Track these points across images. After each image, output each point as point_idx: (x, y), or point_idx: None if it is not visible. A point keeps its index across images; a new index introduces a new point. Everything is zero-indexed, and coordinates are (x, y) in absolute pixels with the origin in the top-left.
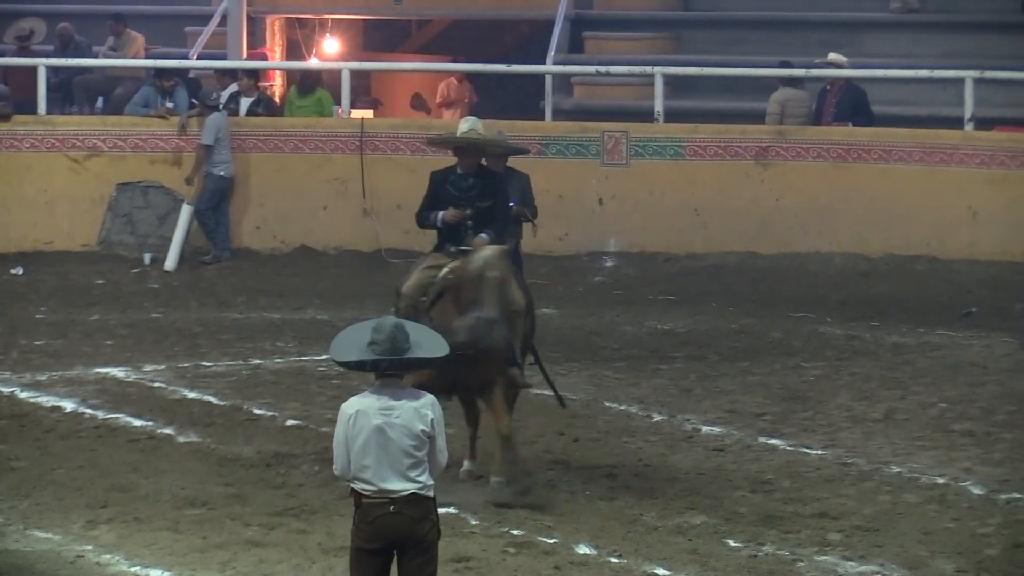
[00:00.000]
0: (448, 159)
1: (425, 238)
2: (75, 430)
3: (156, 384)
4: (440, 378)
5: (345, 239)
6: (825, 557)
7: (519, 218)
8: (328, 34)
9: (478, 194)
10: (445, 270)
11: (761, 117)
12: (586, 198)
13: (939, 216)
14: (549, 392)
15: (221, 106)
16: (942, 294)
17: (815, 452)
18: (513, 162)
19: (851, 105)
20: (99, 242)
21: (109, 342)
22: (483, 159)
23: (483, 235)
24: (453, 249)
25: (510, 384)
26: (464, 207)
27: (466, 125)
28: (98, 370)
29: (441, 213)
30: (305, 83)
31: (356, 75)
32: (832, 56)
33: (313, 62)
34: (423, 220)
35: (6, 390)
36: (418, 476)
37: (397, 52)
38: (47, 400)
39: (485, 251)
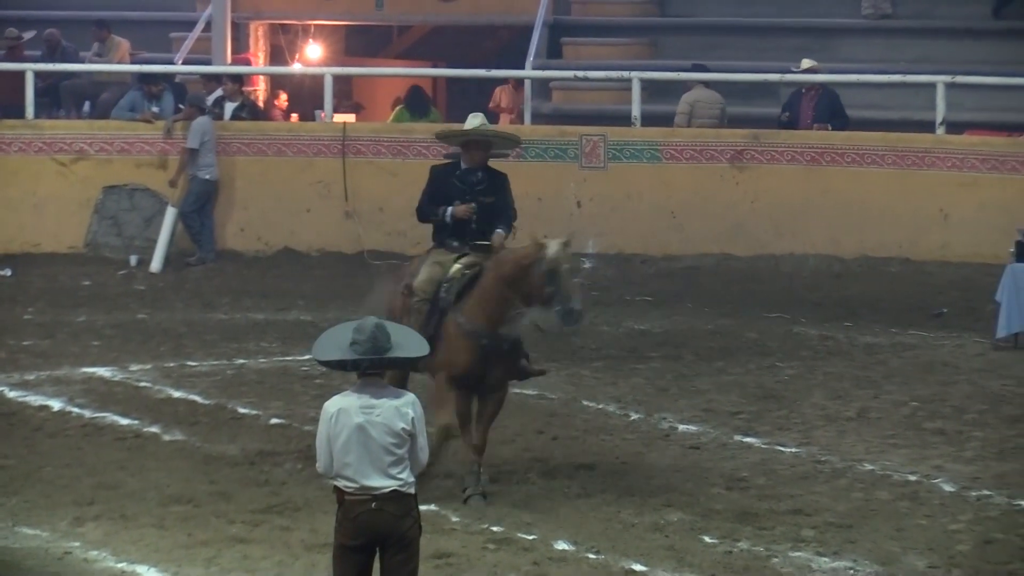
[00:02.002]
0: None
1: (406, 240)
2: (62, 429)
3: (142, 383)
4: (472, 369)
5: (328, 241)
6: (799, 553)
7: None
8: (311, 39)
9: (483, 190)
10: (459, 265)
11: (737, 121)
12: (564, 200)
13: (911, 218)
14: (529, 391)
15: (207, 110)
16: (914, 295)
17: (789, 450)
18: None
19: (828, 108)
20: (86, 244)
21: (96, 342)
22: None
23: (499, 231)
24: (456, 244)
25: (524, 375)
26: (469, 202)
27: (476, 120)
28: (85, 370)
29: (450, 208)
30: (417, 105)
31: (338, 79)
32: (807, 62)
33: (296, 67)
34: (427, 214)
35: None
36: (399, 473)
37: (379, 57)
38: (35, 399)
39: (553, 245)
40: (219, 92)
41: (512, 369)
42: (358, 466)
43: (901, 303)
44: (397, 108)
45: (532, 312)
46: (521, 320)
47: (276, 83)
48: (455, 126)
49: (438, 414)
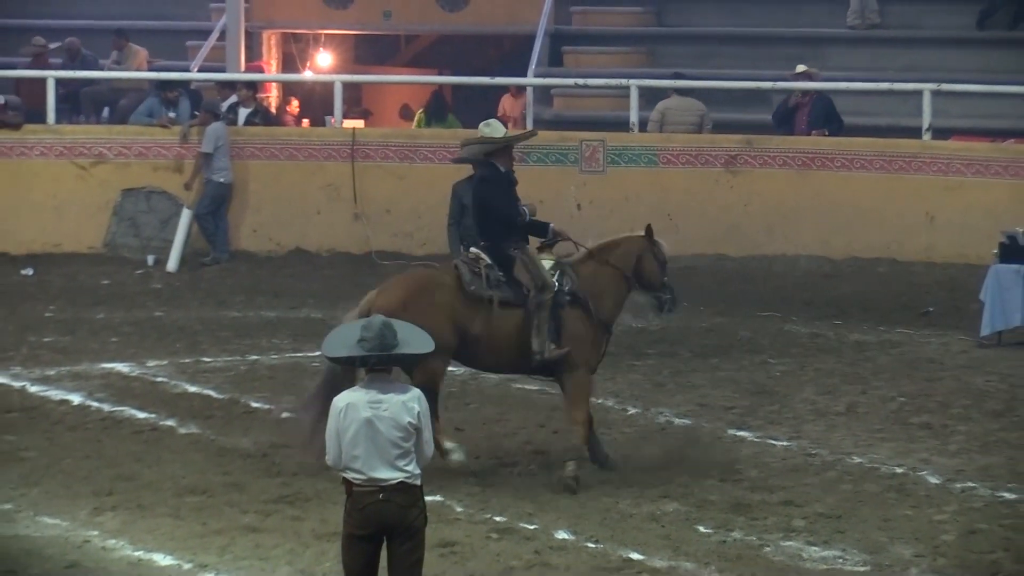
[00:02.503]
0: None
1: (413, 241)
2: (82, 422)
3: (159, 379)
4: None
5: (337, 242)
6: (790, 542)
7: None
8: (321, 48)
9: None
10: (549, 260)
11: (731, 127)
12: (565, 203)
13: (898, 221)
14: (531, 387)
15: (221, 116)
16: (901, 294)
17: (781, 443)
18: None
19: (823, 113)
20: (105, 244)
21: (114, 339)
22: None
23: (554, 227)
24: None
25: None
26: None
27: (501, 127)
28: (104, 365)
29: (526, 208)
30: (437, 111)
31: (348, 87)
32: (802, 67)
33: (307, 75)
34: (515, 216)
35: (17, 384)
36: (406, 465)
37: (387, 65)
38: (56, 394)
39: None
40: (233, 98)
41: None
42: (366, 459)
43: (889, 302)
44: (419, 113)
45: (644, 299)
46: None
47: (288, 90)
48: (466, 132)
49: (582, 410)
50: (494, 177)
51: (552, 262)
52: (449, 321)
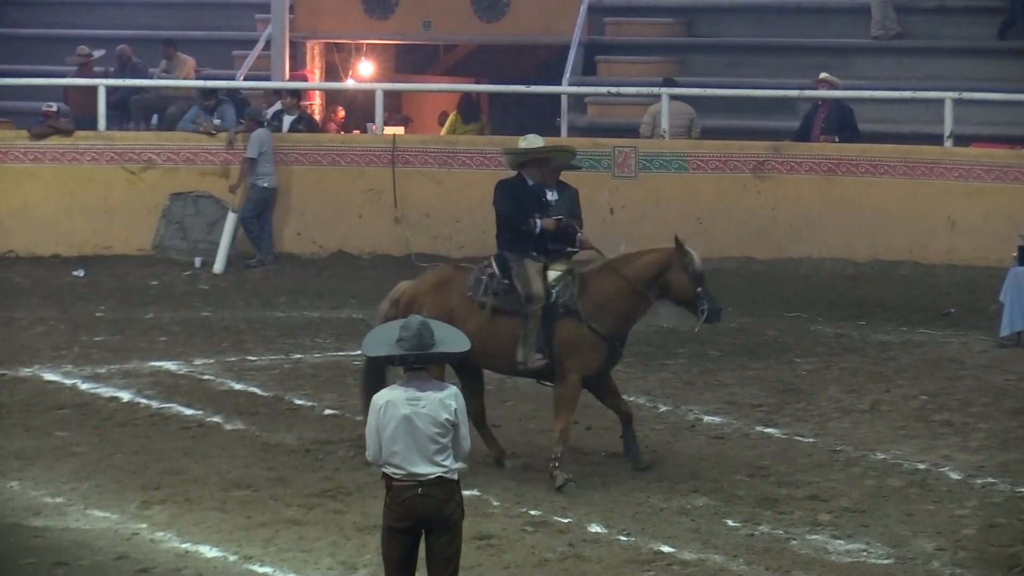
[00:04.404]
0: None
1: (451, 244)
2: (131, 418)
3: (205, 376)
4: (601, 368)
5: (378, 245)
6: (816, 536)
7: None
8: (363, 57)
9: (557, 203)
10: (558, 271)
11: (759, 134)
12: (598, 208)
13: (921, 224)
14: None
15: (265, 123)
16: (923, 296)
17: (807, 440)
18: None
19: (838, 121)
20: (154, 247)
21: (163, 338)
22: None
23: (580, 233)
24: (535, 254)
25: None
26: (551, 215)
27: (540, 141)
28: (152, 363)
29: (540, 220)
30: (469, 112)
31: (388, 95)
32: (825, 75)
33: (350, 83)
34: (519, 224)
35: (68, 382)
36: (443, 461)
37: (426, 74)
38: (106, 391)
39: (696, 252)
40: (278, 106)
41: None
42: (405, 454)
43: (911, 303)
44: (452, 115)
45: (667, 310)
46: (656, 319)
47: (331, 98)
48: (501, 138)
49: (565, 414)
50: (510, 187)
51: (561, 272)
52: (445, 318)
